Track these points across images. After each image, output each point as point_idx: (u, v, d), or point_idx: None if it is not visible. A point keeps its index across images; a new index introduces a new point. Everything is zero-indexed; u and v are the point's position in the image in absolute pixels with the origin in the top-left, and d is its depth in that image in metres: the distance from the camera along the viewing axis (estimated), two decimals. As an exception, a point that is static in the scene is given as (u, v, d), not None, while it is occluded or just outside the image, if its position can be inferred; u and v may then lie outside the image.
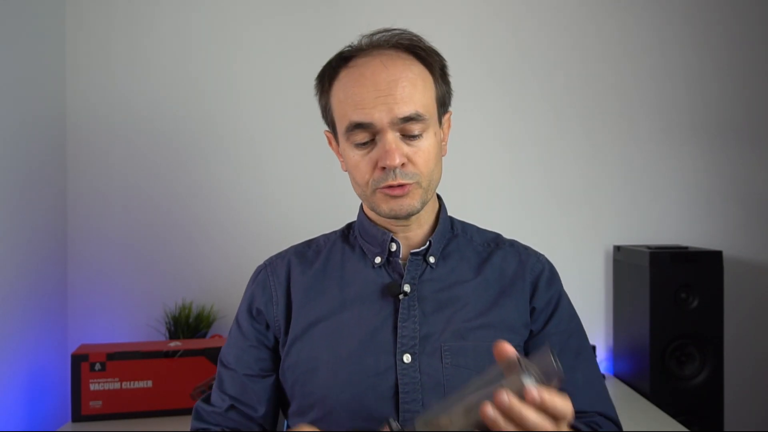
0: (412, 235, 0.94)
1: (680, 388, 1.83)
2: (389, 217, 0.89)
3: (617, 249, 2.04)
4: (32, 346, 1.68)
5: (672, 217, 2.12)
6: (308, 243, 1.02)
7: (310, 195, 2.00)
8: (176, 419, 1.57)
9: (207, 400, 0.97)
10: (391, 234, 0.93)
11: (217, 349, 1.62)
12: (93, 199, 1.92)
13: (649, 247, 1.90)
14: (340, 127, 0.88)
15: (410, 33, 0.90)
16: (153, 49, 1.95)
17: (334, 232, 1.02)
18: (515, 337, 0.90)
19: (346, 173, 0.93)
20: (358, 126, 0.84)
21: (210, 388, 1.61)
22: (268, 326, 0.95)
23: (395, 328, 0.87)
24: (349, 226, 1.02)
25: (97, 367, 1.56)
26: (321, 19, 2.00)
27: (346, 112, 0.85)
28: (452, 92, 0.95)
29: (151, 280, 1.94)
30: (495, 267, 0.95)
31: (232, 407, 0.94)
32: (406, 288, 0.89)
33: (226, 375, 0.96)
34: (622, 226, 2.10)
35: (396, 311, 0.88)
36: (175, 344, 1.66)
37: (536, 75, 2.07)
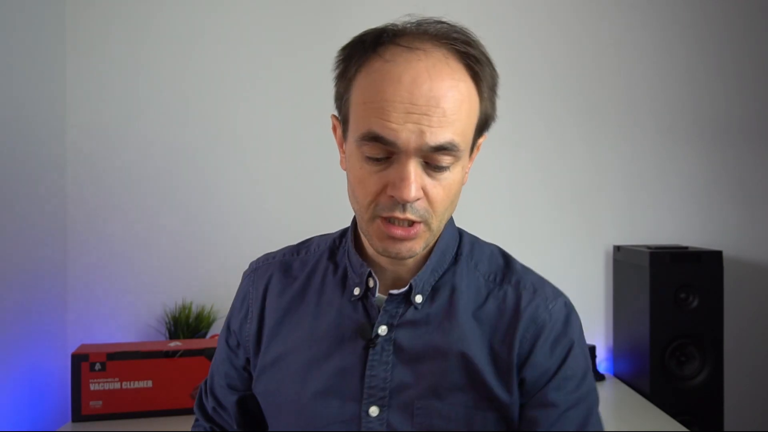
0: (401, 268, 0.80)
1: (680, 388, 1.83)
2: (380, 254, 0.75)
3: (617, 249, 2.04)
4: (32, 346, 1.68)
5: (672, 217, 2.12)
6: (299, 248, 0.91)
7: (310, 195, 2.00)
8: (176, 419, 1.57)
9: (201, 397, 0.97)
10: (369, 269, 0.79)
11: (217, 349, 1.62)
12: (93, 199, 1.91)
13: (649, 247, 1.90)
14: (354, 130, 0.72)
15: (466, 33, 0.73)
16: (153, 49, 1.94)
17: (327, 239, 0.90)
18: (492, 415, 0.76)
19: (344, 171, 0.80)
20: (377, 139, 0.68)
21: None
22: (239, 344, 0.88)
23: (363, 373, 0.77)
24: (343, 235, 0.89)
25: (97, 367, 1.56)
26: (320, 20, 2.00)
27: (366, 118, 0.69)
28: (497, 116, 0.78)
29: (151, 280, 1.94)
30: (489, 314, 0.79)
31: (215, 410, 0.92)
32: (381, 330, 0.77)
33: (210, 377, 0.94)
34: (622, 226, 2.10)
35: (366, 354, 0.77)
36: (175, 344, 1.66)
37: (536, 75, 2.07)
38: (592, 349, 1.94)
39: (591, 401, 0.79)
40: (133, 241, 1.93)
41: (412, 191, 0.68)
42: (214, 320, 1.92)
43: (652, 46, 2.11)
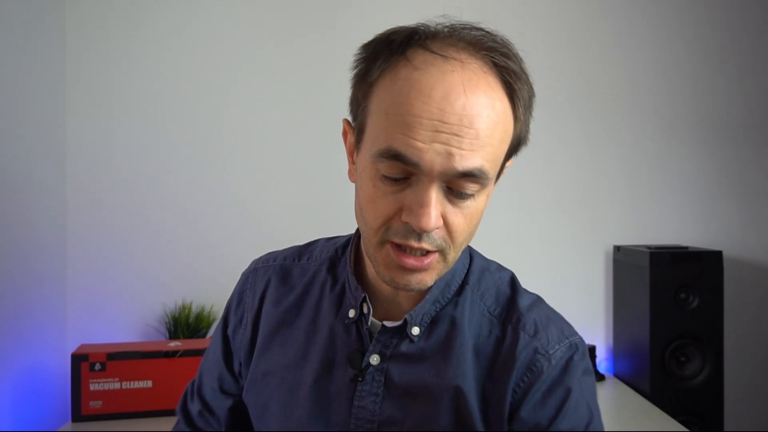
0: (399, 298, 0.74)
1: (680, 388, 1.83)
2: (386, 284, 0.68)
3: (617, 249, 2.04)
4: (32, 346, 1.68)
5: (672, 217, 2.12)
6: (302, 252, 0.85)
7: (311, 195, 1.99)
8: (176, 419, 1.57)
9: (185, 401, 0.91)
10: (365, 295, 0.73)
11: (217, 349, 1.62)
12: (93, 199, 1.91)
13: (649, 247, 1.90)
14: (372, 144, 0.63)
15: (506, 43, 0.65)
16: (153, 48, 1.94)
17: (330, 246, 0.84)
18: None
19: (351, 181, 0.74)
20: (397, 157, 0.60)
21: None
22: (231, 351, 0.84)
23: (351, 404, 0.72)
24: (347, 245, 0.82)
25: (97, 367, 1.56)
26: (324, 18, 2.00)
27: (387, 132, 0.60)
28: (530, 137, 0.70)
29: (151, 280, 1.94)
30: (487, 354, 0.72)
31: (201, 414, 0.87)
32: (373, 360, 0.72)
33: (198, 378, 0.89)
34: (622, 226, 2.10)
35: (354, 384, 0.73)
36: (175, 344, 1.66)
37: (536, 75, 2.05)
38: (592, 349, 1.95)
39: None
40: (133, 241, 1.93)
41: (432, 220, 0.60)
42: (214, 320, 1.92)
43: (653, 46, 2.11)
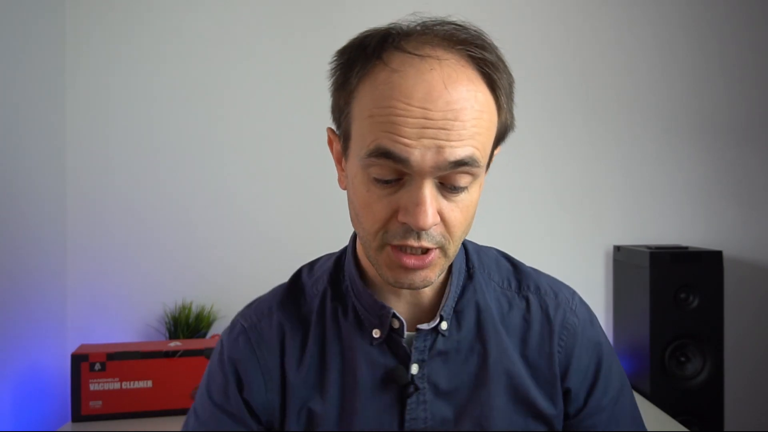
0: (418, 297, 0.74)
1: (680, 388, 1.83)
2: (392, 285, 0.68)
3: (617, 249, 2.04)
4: (32, 346, 1.68)
5: (672, 217, 2.12)
6: (293, 290, 0.79)
7: (310, 195, 1.99)
8: (176, 419, 1.57)
9: None
10: (392, 309, 0.71)
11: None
12: (93, 199, 1.91)
13: (649, 247, 1.90)
14: (359, 147, 0.63)
15: (478, 34, 0.64)
16: (153, 49, 1.94)
17: (324, 275, 0.79)
18: (542, 427, 0.73)
19: (342, 190, 0.73)
20: (387, 156, 0.60)
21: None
22: (253, 412, 0.74)
23: (402, 419, 0.71)
24: (338, 266, 0.79)
25: (97, 367, 1.56)
26: (326, 19, 2.00)
27: (373, 133, 0.60)
28: (515, 124, 0.72)
29: (151, 280, 1.94)
30: (515, 325, 0.75)
31: None
32: (413, 370, 0.71)
33: None
34: (622, 226, 2.10)
35: (402, 399, 0.71)
36: (175, 344, 1.66)
37: (536, 75, 2.07)
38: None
39: (626, 381, 0.79)
40: (133, 241, 1.93)
41: (429, 217, 0.60)
42: (214, 320, 1.92)
43: (653, 46, 2.11)
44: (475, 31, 0.64)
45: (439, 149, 0.59)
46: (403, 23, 0.65)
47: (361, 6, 2.00)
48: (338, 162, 0.71)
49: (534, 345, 0.74)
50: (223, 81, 1.98)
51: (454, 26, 0.63)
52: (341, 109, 0.66)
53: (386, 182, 0.62)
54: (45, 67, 1.79)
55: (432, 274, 0.66)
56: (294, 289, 0.79)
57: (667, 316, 1.82)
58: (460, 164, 0.60)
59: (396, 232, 0.63)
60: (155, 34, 1.95)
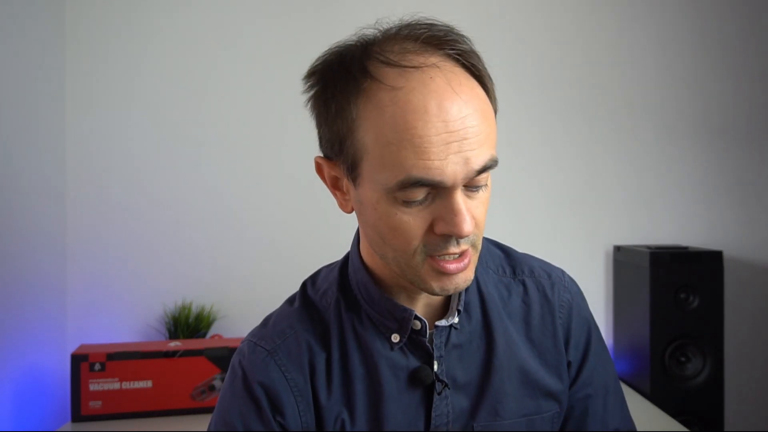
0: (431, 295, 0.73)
1: (680, 388, 1.82)
2: (434, 294, 0.68)
3: (617, 249, 2.04)
4: (32, 346, 1.68)
5: (672, 217, 2.12)
6: (307, 305, 0.77)
7: (310, 195, 1.99)
8: (176, 419, 1.57)
9: None
10: (413, 311, 0.72)
11: (217, 349, 1.62)
12: (93, 199, 1.91)
13: (649, 247, 1.90)
14: (381, 179, 0.61)
15: (449, 30, 0.64)
16: (153, 49, 1.94)
17: (332, 285, 0.78)
18: (553, 405, 0.76)
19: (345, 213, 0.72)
20: (420, 184, 0.60)
21: (210, 388, 1.62)
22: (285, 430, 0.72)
23: (428, 419, 0.72)
24: (344, 275, 0.78)
25: (97, 367, 1.56)
26: (327, 20, 2.00)
27: (400, 163, 0.59)
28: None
29: (151, 280, 1.94)
30: (516, 310, 0.78)
31: None
32: (436, 367, 0.72)
33: None
34: (622, 226, 2.10)
35: (428, 398, 0.72)
36: (175, 344, 1.66)
37: (536, 75, 2.07)
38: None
39: (608, 351, 0.84)
40: (132, 241, 1.93)
41: (469, 224, 0.61)
42: (214, 320, 1.92)
43: (651, 45, 2.11)
44: (444, 27, 0.64)
45: (466, 161, 0.60)
46: (369, 34, 0.64)
47: (362, 6, 2.00)
48: (333, 187, 0.71)
49: (537, 326, 0.77)
50: (225, 83, 1.98)
51: (426, 28, 0.63)
52: (342, 138, 0.64)
53: (419, 202, 0.62)
54: (45, 67, 1.79)
55: (471, 273, 0.67)
56: (307, 304, 0.78)
57: (667, 316, 1.82)
58: (485, 170, 0.62)
59: (436, 244, 0.63)
60: (155, 35, 1.95)
